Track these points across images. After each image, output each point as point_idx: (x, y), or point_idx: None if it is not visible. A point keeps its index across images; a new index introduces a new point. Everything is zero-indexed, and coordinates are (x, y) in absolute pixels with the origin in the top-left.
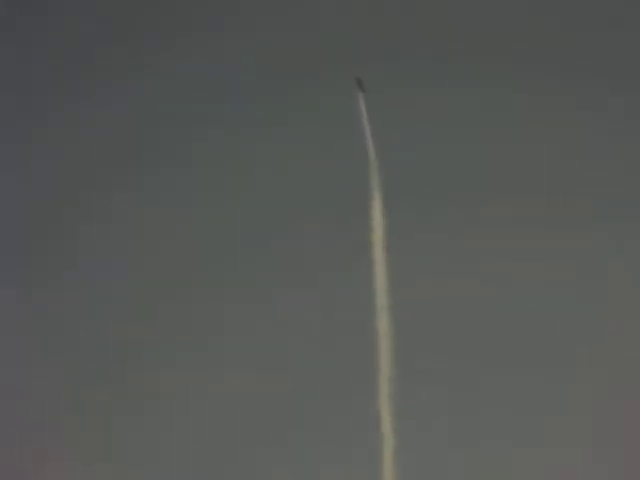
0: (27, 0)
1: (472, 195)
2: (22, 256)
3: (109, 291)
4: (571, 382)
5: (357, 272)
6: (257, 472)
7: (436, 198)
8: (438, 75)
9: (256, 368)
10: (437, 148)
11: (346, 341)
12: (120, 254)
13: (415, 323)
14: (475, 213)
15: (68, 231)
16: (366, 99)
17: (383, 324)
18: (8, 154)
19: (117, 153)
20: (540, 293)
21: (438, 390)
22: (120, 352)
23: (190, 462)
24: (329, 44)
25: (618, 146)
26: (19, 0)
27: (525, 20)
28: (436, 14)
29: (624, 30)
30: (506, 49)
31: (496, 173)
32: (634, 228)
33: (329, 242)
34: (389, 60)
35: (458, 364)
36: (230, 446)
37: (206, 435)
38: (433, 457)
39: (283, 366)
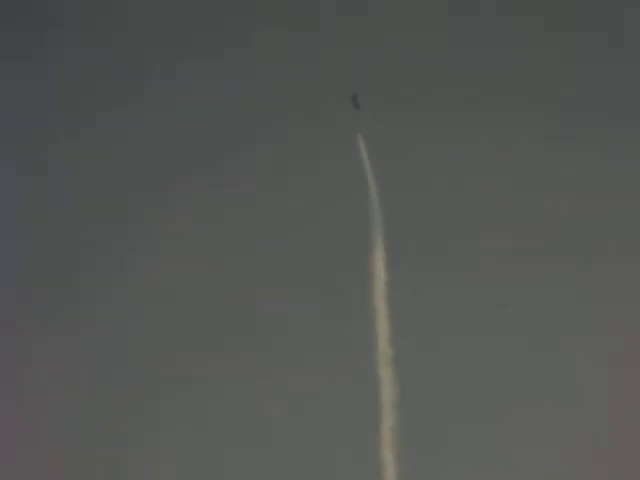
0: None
1: (475, 245)
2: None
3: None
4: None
5: (360, 320)
6: None
7: (438, 249)
8: (438, 136)
9: (259, 436)
10: (438, 197)
11: (349, 389)
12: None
13: (418, 371)
14: (477, 263)
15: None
16: (369, 154)
17: (386, 372)
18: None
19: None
20: (546, 349)
21: (442, 440)
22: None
23: None
24: (330, 93)
25: (616, 182)
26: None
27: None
28: (438, 60)
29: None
30: (504, 89)
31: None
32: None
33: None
34: (389, 109)
35: (461, 417)
36: None
37: None
38: None
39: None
